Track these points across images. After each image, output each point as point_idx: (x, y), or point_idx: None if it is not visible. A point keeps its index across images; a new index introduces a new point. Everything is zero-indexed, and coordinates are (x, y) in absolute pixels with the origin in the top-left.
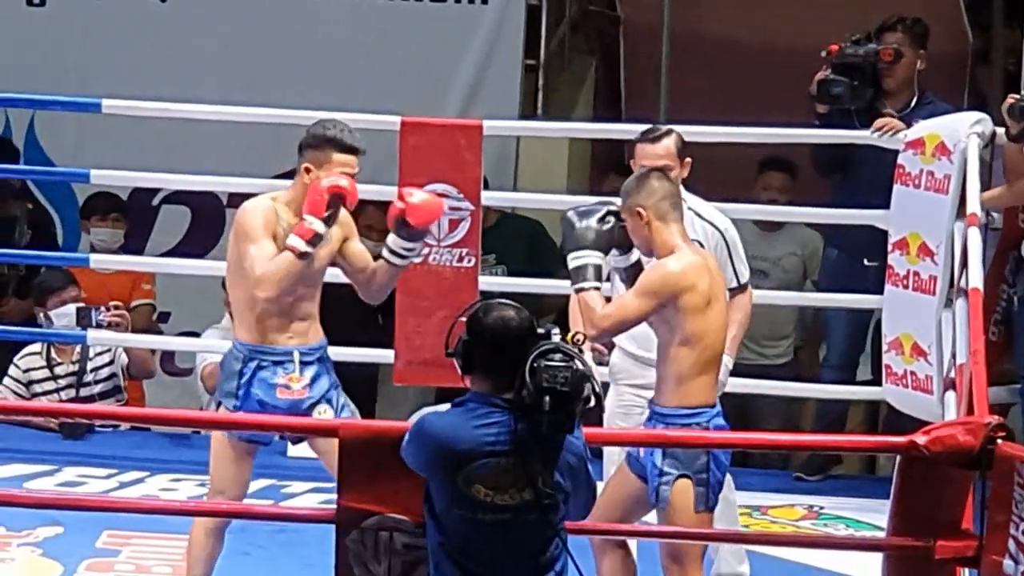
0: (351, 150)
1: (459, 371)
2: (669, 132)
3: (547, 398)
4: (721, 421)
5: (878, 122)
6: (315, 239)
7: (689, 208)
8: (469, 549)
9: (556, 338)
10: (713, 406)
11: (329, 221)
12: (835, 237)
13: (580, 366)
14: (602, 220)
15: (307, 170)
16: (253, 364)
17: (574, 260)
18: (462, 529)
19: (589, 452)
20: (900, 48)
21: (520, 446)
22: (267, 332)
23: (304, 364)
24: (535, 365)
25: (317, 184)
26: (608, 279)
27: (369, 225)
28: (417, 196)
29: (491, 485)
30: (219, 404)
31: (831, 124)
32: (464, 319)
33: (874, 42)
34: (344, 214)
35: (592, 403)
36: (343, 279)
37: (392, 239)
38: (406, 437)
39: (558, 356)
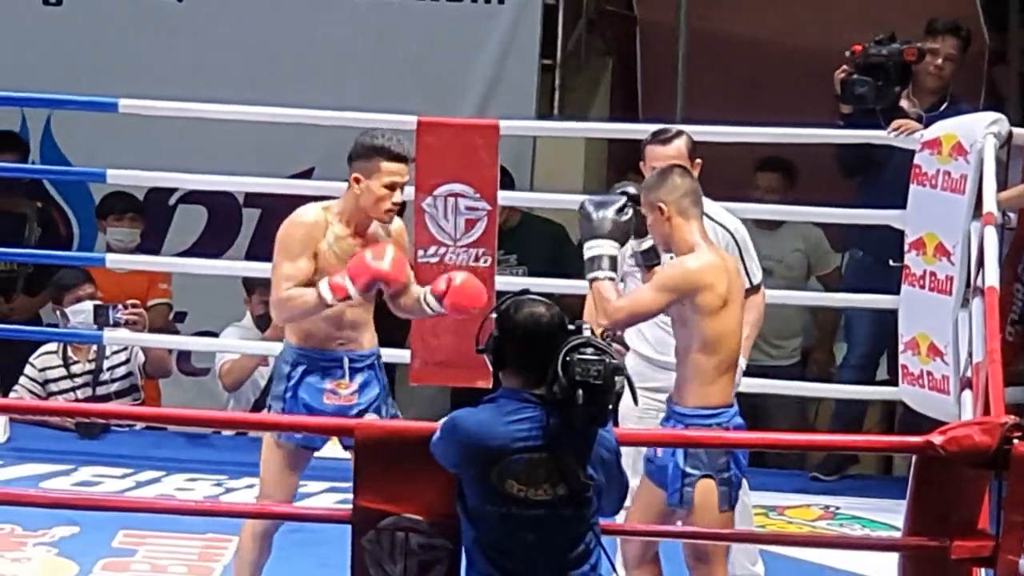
0: (399, 158)
1: (490, 367)
2: (679, 133)
3: (580, 391)
4: (740, 420)
5: (895, 123)
6: (345, 299)
7: None
8: (503, 545)
9: (587, 333)
10: (731, 406)
11: (368, 291)
12: (860, 238)
13: (612, 360)
14: (620, 211)
15: (356, 180)
16: (301, 368)
17: (590, 250)
18: (496, 525)
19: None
20: (955, 54)
21: (553, 441)
22: (317, 337)
23: (354, 370)
24: (568, 359)
25: (363, 257)
26: (623, 280)
27: None
28: (459, 279)
29: (524, 480)
30: (269, 407)
31: (855, 124)
32: (495, 316)
33: (899, 42)
34: (401, 231)
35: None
36: None
37: (431, 300)
38: (436, 434)
39: (590, 350)
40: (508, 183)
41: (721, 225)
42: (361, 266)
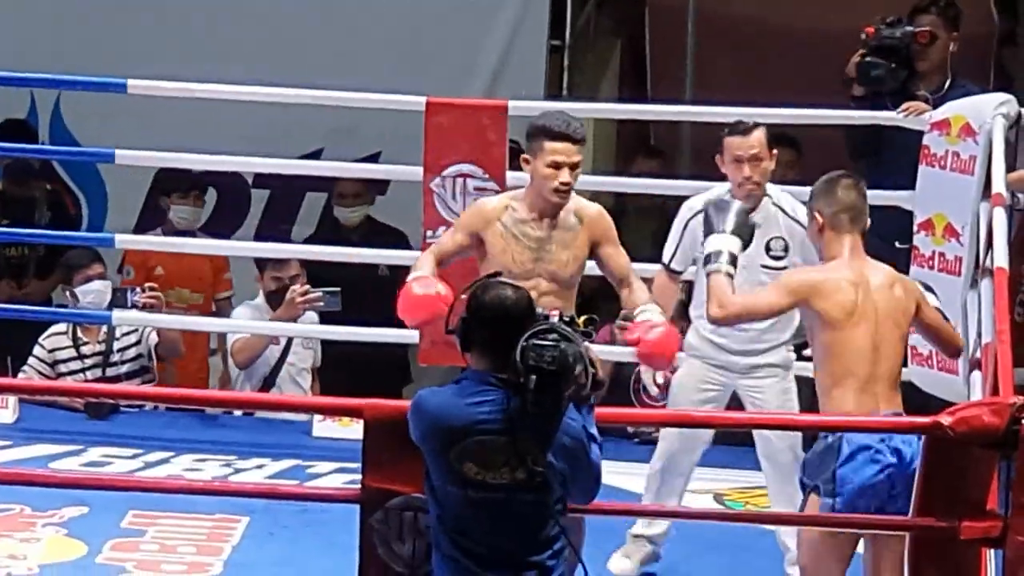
0: (563, 137)
1: (459, 349)
2: (757, 125)
3: (533, 377)
4: (862, 440)
5: (905, 104)
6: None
7: (774, 204)
8: (464, 526)
9: (554, 319)
10: None
11: None
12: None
13: (571, 347)
14: (744, 212)
15: (526, 162)
16: None
17: (711, 244)
18: (456, 506)
19: (596, 433)
20: (934, 30)
21: (513, 425)
22: None
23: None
24: (525, 344)
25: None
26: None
27: (341, 193)
28: (653, 335)
29: (483, 463)
30: None
31: (865, 106)
32: (464, 297)
33: (908, 24)
34: (596, 216)
35: (588, 385)
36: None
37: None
38: (408, 413)
39: (551, 337)
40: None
41: (796, 221)
42: (406, 293)
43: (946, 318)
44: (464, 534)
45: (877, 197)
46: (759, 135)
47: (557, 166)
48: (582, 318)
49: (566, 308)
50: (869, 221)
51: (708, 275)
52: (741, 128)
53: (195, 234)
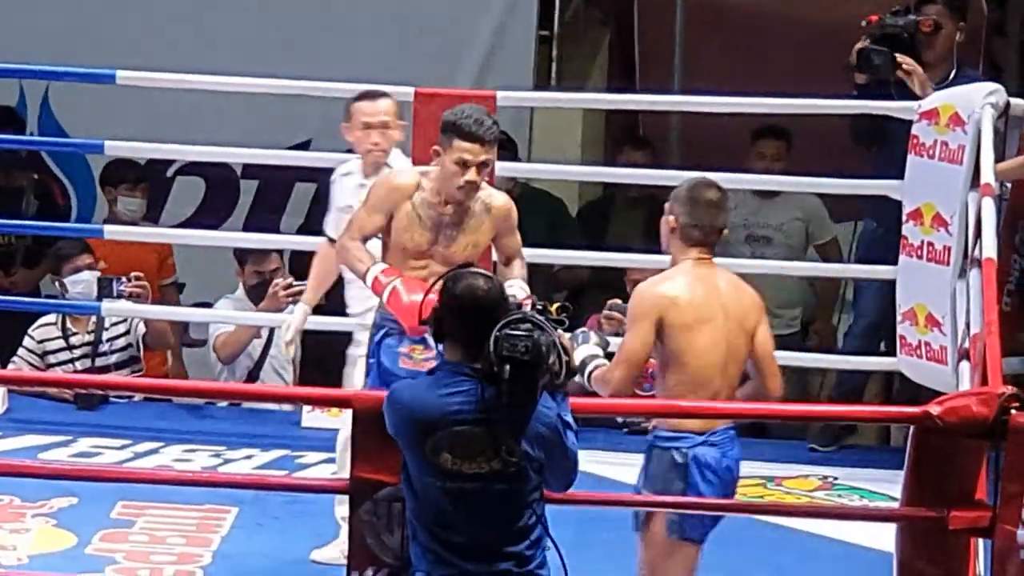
0: (471, 137)
1: (432, 339)
2: (386, 95)
3: (507, 367)
4: (705, 451)
5: (908, 63)
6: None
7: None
8: (441, 518)
9: (527, 308)
10: (700, 433)
11: None
12: (872, 209)
13: (544, 336)
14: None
15: (436, 153)
16: (382, 331)
17: (578, 355)
18: (433, 497)
19: (572, 421)
20: (939, 19)
21: (487, 415)
22: None
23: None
24: (498, 334)
25: (400, 290)
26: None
27: None
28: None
29: (458, 454)
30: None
31: (868, 95)
32: (436, 288)
33: (913, 13)
34: (504, 209)
35: (562, 373)
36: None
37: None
38: (383, 405)
39: (524, 326)
40: (513, 151)
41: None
42: (395, 294)
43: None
44: (442, 525)
45: (868, 187)
46: (389, 104)
47: (464, 164)
48: (554, 306)
49: None
50: (727, 230)
51: (588, 380)
52: (371, 94)
53: (137, 225)
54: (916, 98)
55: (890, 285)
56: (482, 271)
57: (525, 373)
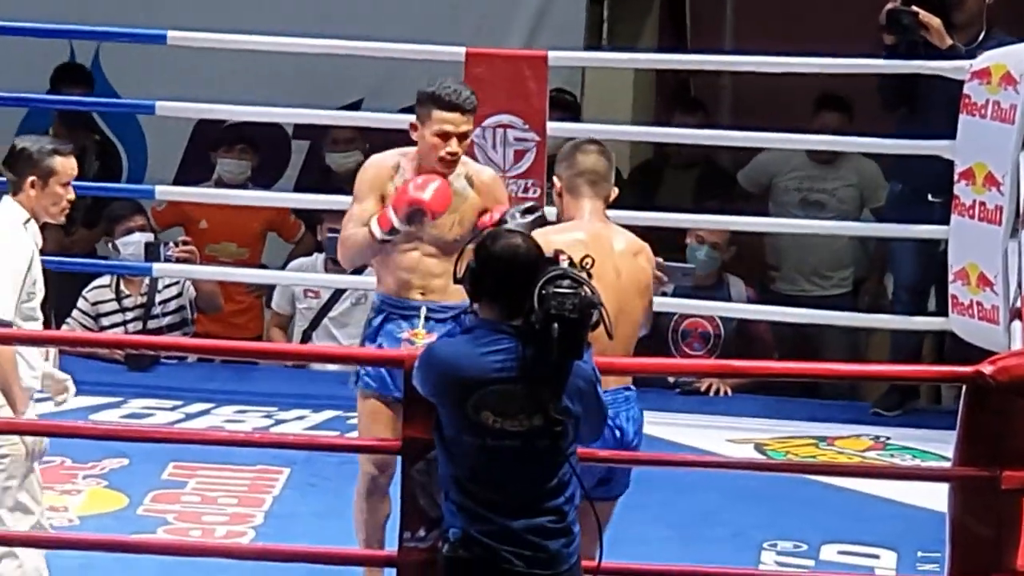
0: (452, 107)
1: (467, 298)
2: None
3: (556, 325)
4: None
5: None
6: (392, 232)
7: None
8: (478, 476)
9: (565, 264)
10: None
11: (411, 221)
12: (900, 171)
13: (588, 292)
14: (528, 211)
15: (413, 127)
16: (382, 316)
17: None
18: (471, 456)
19: (599, 376)
20: None
21: (528, 372)
22: (396, 285)
23: (434, 321)
24: (544, 292)
25: (407, 187)
26: None
27: (335, 140)
28: (429, 190)
29: (499, 411)
30: None
31: (898, 56)
32: (472, 247)
33: None
34: (490, 182)
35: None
36: None
37: (398, 223)
38: (415, 364)
39: (566, 282)
40: (575, 109)
41: None
42: (402, 195)
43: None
44: (478, 482)
45: (917, 147)
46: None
47: (445, 136)
48: (579, 257)
49: (447, 273)
50: (615, 191)
51: None
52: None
53: (247, 187)
54: (945, 58)
55: (926, 245)
56: (517, 229)
57: (573, 330)
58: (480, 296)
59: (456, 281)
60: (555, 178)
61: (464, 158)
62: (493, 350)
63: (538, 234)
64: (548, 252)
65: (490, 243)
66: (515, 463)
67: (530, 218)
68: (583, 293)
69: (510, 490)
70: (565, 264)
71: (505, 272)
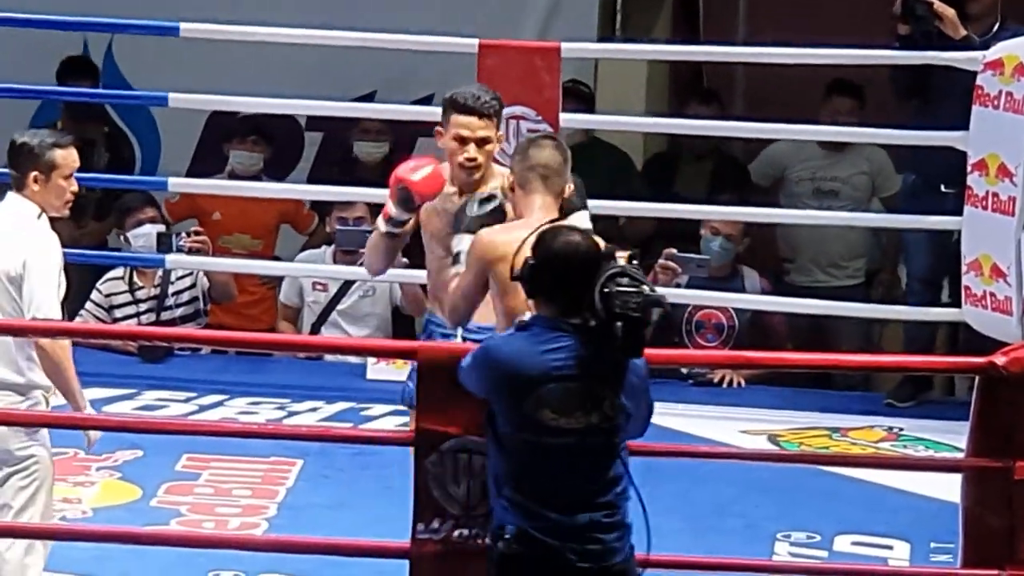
0: (467, 111)
1: (525, 295)
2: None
3: (620, 323)
4: None
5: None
6: (390, 221)
7: None
8: (532, 471)
9: (621, 261)
10: None
11: (404, 206)
12: (913, 162)
13: (649, 290)
14: (485, 201)
15: (439, 134)
16: (426, 334)
17: (457, 244)
18: (526, 453)
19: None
20: None
21: (587, 370)
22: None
23: (469, 342)
24: (606, 290)
25: (397, 169)
26: None
27: (365, 129)
28: (419, 173)
29: (558, 409)
30: None
31: (911, 46)
32: (530, 243)
33: None
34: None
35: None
36: None
37: (394, 211)
38: (466, 362)
39: (626, 280)
40: (590, 100)
41: None
42: (393, 176)
43: None
44: (532, 479)
45: (930, 138)
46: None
47: (463, 140)
48: (626, 254)
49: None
50: (571, 187)
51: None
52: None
53: (260, 179)
54: (959, 49)
55: (939, 235)
56: (574, 225)
57: (636, 329)
58: (538, 293)
59: (514, 279)
60: (509, 172)
61: (501, 168)
62: (552, 347)
63: (481, 235)
64: (488, 257)
65: (549, 240)
66: (570, 459)
67: (488, 207)
68: (645, 291)
69: (565, 486)
70: (622, 261)
71: (564, 269)
